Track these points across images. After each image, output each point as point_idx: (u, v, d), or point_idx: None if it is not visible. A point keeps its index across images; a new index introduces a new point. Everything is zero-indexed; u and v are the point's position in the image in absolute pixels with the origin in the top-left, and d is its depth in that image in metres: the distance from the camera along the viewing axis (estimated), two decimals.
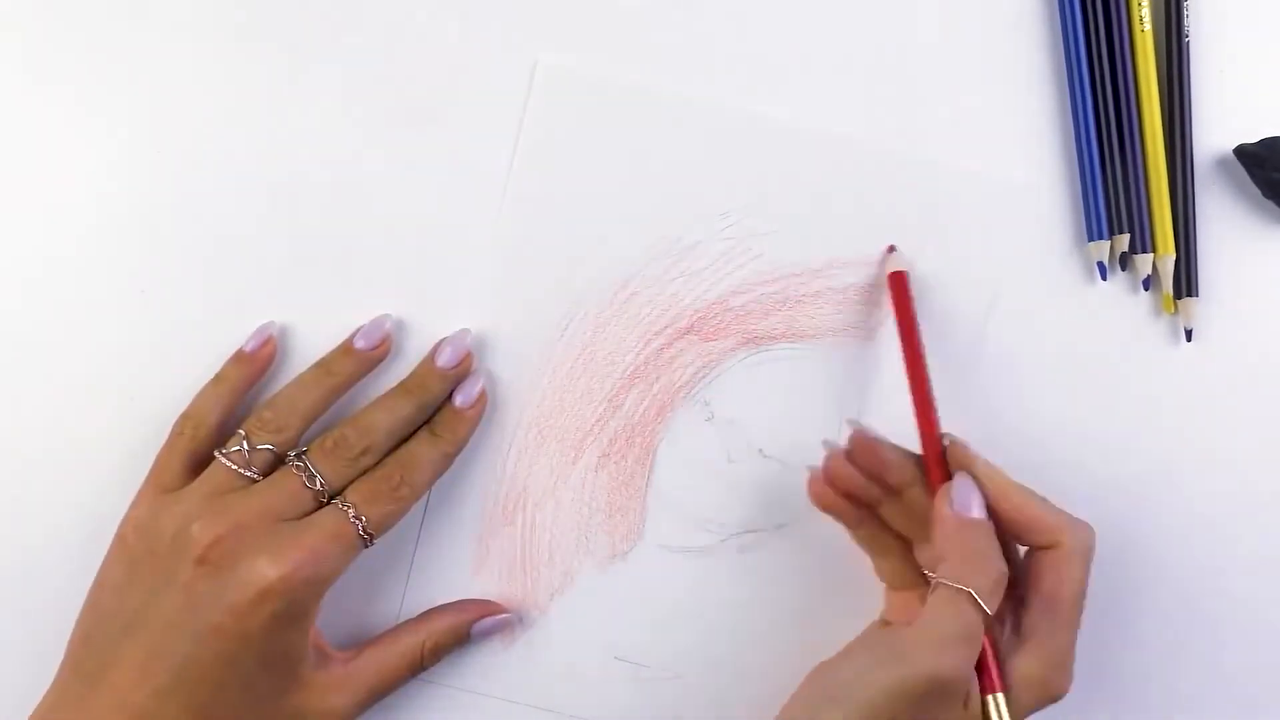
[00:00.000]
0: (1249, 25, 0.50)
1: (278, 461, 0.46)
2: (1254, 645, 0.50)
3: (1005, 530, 0.44)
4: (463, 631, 0.48)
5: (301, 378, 0.47)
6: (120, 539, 0.46)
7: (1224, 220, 0.50)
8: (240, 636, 0.42)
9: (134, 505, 0.46)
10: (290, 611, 0.43)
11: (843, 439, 0.46)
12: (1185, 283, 0.49)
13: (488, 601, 0.49)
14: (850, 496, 0.46)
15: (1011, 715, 0.42)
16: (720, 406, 0.50)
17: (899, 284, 0.48)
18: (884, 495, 0.45)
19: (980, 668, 0.42)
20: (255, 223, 0.49)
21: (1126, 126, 0.49)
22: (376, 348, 0.48)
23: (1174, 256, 0.49)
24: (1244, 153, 0.49)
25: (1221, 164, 0.50)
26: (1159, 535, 0.50)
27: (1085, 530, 0.43)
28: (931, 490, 0.44)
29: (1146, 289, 0.50)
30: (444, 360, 0.48)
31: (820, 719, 0.41)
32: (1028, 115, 0.50)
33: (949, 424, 0.46)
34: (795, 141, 0.49)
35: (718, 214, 0.50)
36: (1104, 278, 0.50)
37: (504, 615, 0.49)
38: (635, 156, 0.49)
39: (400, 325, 0.49)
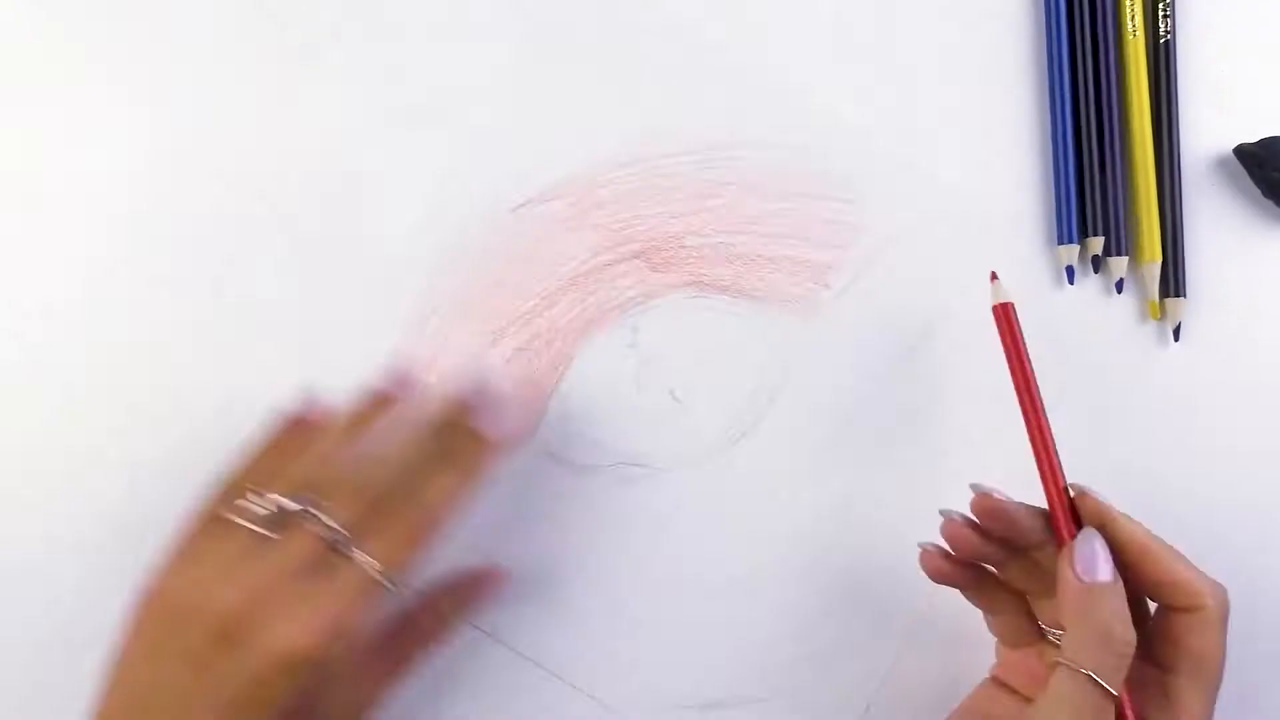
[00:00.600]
0: (1247, 25, 0.51)
1: (296, 518, 0.43)
2: (1243, 645, 0.47)
3: (1141, 589, 0.41)
4: (463, 612, 0.48)
5: (326, 433, 0.45)
6: (139, 611, 0.43)
7: (1223, 220, 0.50)
8: (267, 707, 0.40)
9: (152, 575, 0.44)
10: (317, 675, 0.41)
11: (958, 504, 0.43)
12: (1174, 284, 0.49)
13: (475, 572, 0.48)
14: (968, 563, 0.43)
15: None
16: (646, 337, 0.50)
17: (1006, 318, 0.43)
18: (1007, 557, 0.43)
19: None
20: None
21: (1109, 131, 0.49)
22: (398, 392, 0.46)
23: (1159, 262, 0.49)
24: (1243, 153, 0.49)
25: (1221, 164, 0.50)
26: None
27: (1223, 591, 0.41)
28: (1059, 547, 0.41)
29: (1119, 292, 0.49)
30: (465, 393, 0.46)
31: None
32: (1009, 118, 0.50)
33: (934, 431, 0.46)
34: (773, 124, 0.50)
35: (704, 147, 0.50)
36: (1071, 281, 0.50)
37: (496, 576, 0.48)
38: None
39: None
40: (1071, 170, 0.49)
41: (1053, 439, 0.42)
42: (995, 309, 0.43)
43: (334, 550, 0.42)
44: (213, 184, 0.50)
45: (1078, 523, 0.41)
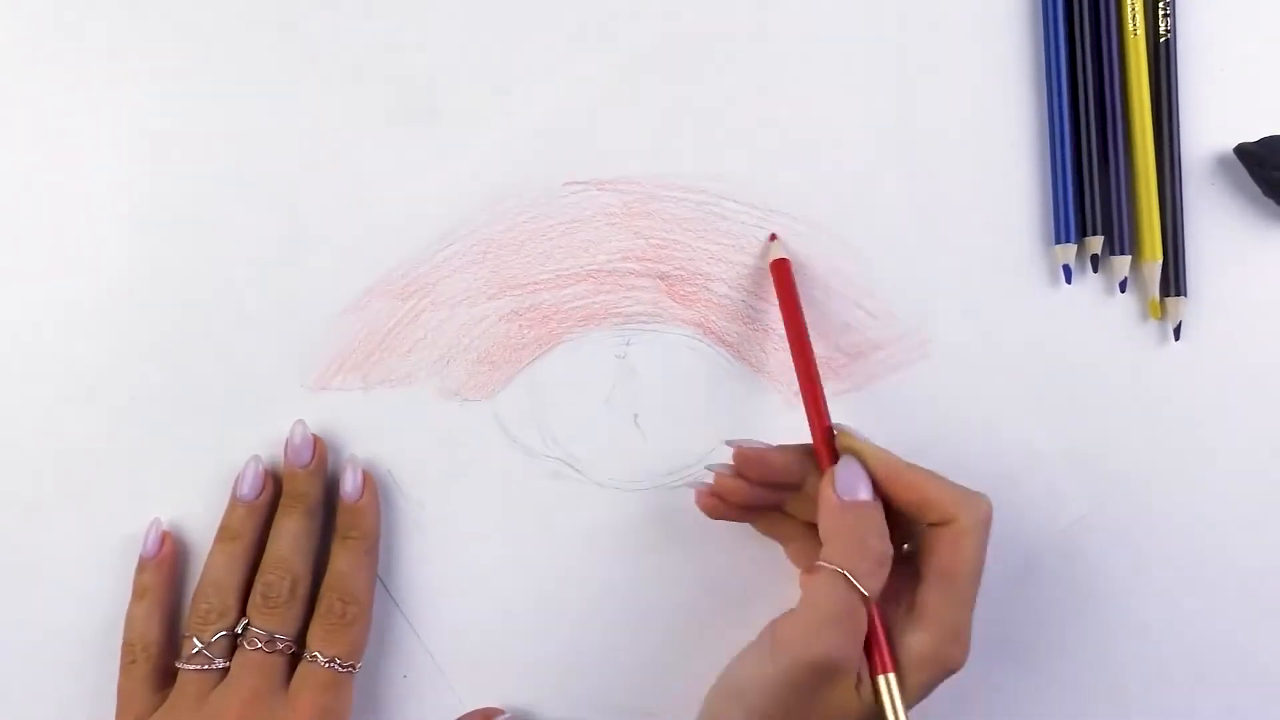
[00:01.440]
0: (1247, 25, 0.50)
1: (234, 641, 0.46)
2: (1245, 646, 0.49)
3: (902, 511, 0.43)
4: None
5: (213, 556, 0.47)
6: None
7: (1223, 220, 0.50)
8: None
9: None
10: None
11: (726, 458, 0.45)
12: (1174, 283, 0.49)
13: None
14: (746, 505, 0.45)
15: (905, 693, 0.41)
16: (636, 356, 0.50)
17: (782, 272, 0.47)
18: (781, 496, 0.45)
19: (869, 649, 0.41)
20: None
21: (1108, 131, 0.49)
22: (260, 493, 0.48)
23: (1160, 262, 0.49)
24: (1244, 152, 0.49)
25: (1221, 163, 0.50)
26: (1146, 537, 0.50)
27: (981, 504, 0.42)
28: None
29: (1123, 291, 0.49)
30: (299, 459, 0.48)
31: (719, 713, 0.41)
32: (1009, 117, 0.50)
33: (929, 427, 0.48)
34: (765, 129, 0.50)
35: (765, 208, 0.50)
36: (1069, 280, 0.49)
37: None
38: None
39: (273, 460, 0.49)
40: (1069, 170, 0.49)
41: (819, 377, 0.45)
42: (773, 265, 0.47)
43: (287, 656, 0.46)
44: (215, 183, 0.50)
45: (837, 457, 0.44)
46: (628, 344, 0.50)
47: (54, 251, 0.50)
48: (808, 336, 0.46)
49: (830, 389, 0.46)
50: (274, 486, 0.48)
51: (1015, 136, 0.50)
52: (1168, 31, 0.49)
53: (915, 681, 0.41)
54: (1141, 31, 0.49)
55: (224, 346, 0.50)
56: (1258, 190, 0.49)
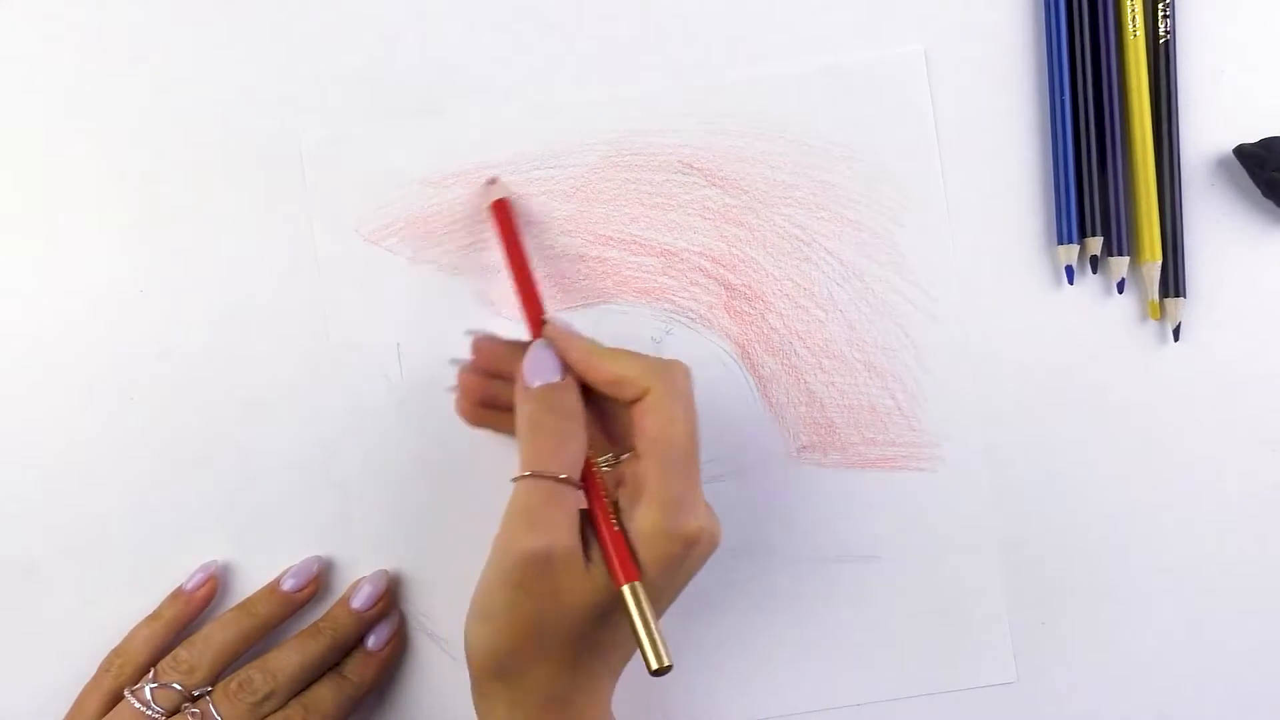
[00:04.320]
0: (1247, 25, 0.51)
1: (183, 701, 0.45)
2: (1245, 644, 0.50)
3: (605, 395, 0.43)
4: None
5: (223, 617, 0.47)
6: None
7: (1222, 220, 0.50)
8: None
9: None
10: None
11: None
12: (1174, 284, 0.49)
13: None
14: (486, 403, 0.46)
15: (646, 575, 0.40)
16: (671, 346, 0.50)
17: (503, 210, 0.47)
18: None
19: (605, 557, 0.40)
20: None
21: (1108, 131, 0.49)
22: (303, 589, 0.48)
23: (1159, 263, 0.49)
24: (1243, 153, 0.49)
25: (1221, 164, 0.50)
26: (1146, 536, 0.50)
27: (675, 371, 0.42)
28: None
29: (1120, 292, 0.50)
30: (359, 603, 0.48)
31: (472, 635, 0.41)
32: (1009, 118, 0.50)
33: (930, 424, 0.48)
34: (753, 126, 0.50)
35: (842, 264, 0.50)
36: (1071, 281, 0.50)
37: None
38: None
39: (330, 564, 0.49)
40: (1071, 170, 0.49)
41: (535, 277, 0.46)
42: (494, 206, 0.47)
43: None
44: (215, 183, 0.50)
45: None
46: (668, 332, 0.50)
47: (55, 252, 0.50)
48: (527, 260, 0.47)
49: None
50: (316, 589, 0.48)
51: (1015, 137, 0.50)
52: (1167, 33, 0.50)
53: (651, 557, 0.40)
54: (1141, 32, 0.50)
55: (228, 346, 0.50)
56: (1257, 191, 0.50)
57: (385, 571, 0.48)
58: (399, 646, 0.48)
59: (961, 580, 0.49)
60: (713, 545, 0.41)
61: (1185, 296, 0.49)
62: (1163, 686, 0.49)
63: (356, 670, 0.47)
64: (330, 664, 0.47)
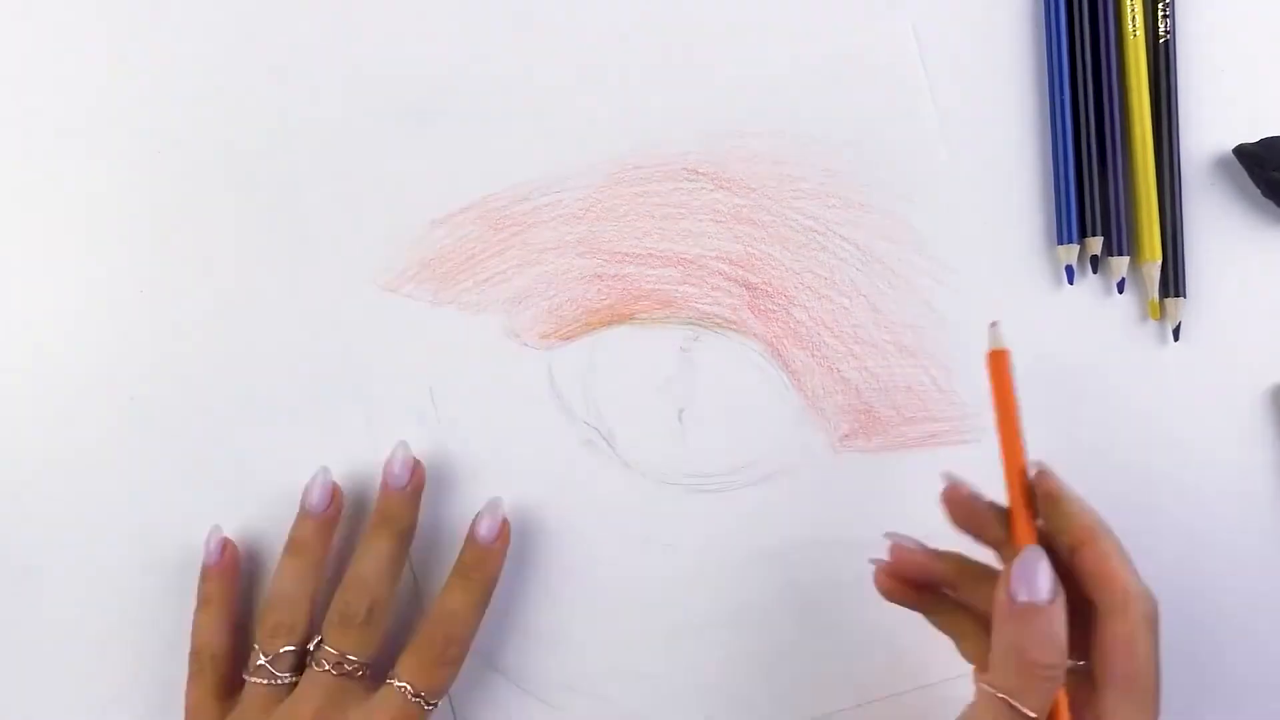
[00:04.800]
0: (1247, 25, 0.50)
1: (303, 657, 0.45)
2: (1248, 645, 0.49)
3: (1079, 579, 0.40)
4: None
5: (281, 570, 0.47)
6: None
7: (1222, 220, 0.50)
8: None
9: None
10: None
11: (891, 540, 0.43)
12: (1173, 284, 0.49)
13: None
14: (922, 584, 0.43)
15: None
16: (700, 354, 0.50)
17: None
18: (959, 577, 0.43)
19: None
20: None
21: (1108, 131, 0.49)
22: (329, 506, 0.47)
23: (1159, 263, 0.49)
24: (1243, 152, 0.49)
25: (1220, 164, 0.50)
26: (1145, 537, 0.48)
27: (1151, 598, 0.39)
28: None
29: (1120, 292, 0.50)
30: (396, 481, 0.47)
31: None
32: (1009, 118, 0.50)
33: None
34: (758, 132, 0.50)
35: (862, 250, 0.50)
36: (1070, 281, 0.50)
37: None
38: None
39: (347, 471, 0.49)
40: (1071, 170, 0.49)
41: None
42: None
43: (353, 679, 0.44)
44: (215, 181, 0.50)
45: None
46: (695, 340, 0.50)
47: (54, 252, 0.50)
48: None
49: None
50: (341, 501, 0.48)
51: (1015, 138, 0.50)
52: (1167, 32, 0.49)
53: None
54: (1141, 32, 0.49)
55: (230, 345, 0.50)
56: (1257, 191, 0.49)
57: (405, 442, 0.47)
58: (509, 537, 0.47)
59: None
60: None
61: (1185, 296, 0.49)
62: (1168, 686, 0.48)
63: (476, 568, 0.46)
64: (404, 554, 0.47)
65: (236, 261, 0.50)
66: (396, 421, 0.49)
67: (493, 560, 0.47)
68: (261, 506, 0.49)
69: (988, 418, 0.49)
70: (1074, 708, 0.39)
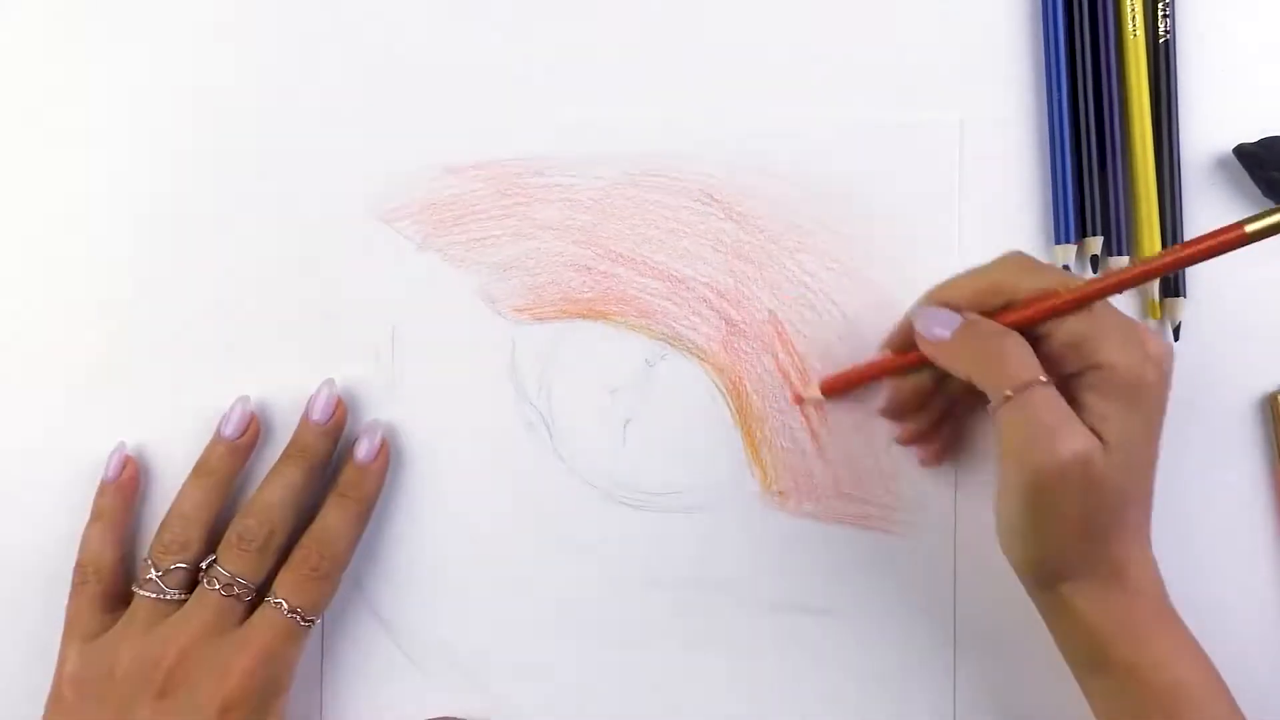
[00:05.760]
0: (1247, 25, 0.50)
1: (193, 576, 0.46)
2: (1245, 643, 0.49)
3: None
4: None
5: (185, 489, 0.47)
6: (58, 699, 0.45)
7: (1222, 220, 0.48)
8: None
9: (62, 662, 0.46)
10: (256, 716, 0.44)
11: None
12: (1173, 283, 0.49)
13: None
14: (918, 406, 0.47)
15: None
16: (663, 371, 0.50)
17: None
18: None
19: None
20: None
21: (1108, 131, 0.49)
22: (244, 433, 0.48)
23: None
24: (1243, 152, 0.49)
25: (1220, 164, 0.50)
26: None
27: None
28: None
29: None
30: (317, 415, 0.48)
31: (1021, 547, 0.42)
32: (1008, 118, 0.50)
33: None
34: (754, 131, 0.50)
35: (848, 318, 0.50)
36: None
37: None
38: None
39: (262, 405, 0.49)
40: (1069, 170, 0.49)
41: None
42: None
43: (244, 600, 0.45)
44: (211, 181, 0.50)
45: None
46: (662, 357, 0.50)
47: (54, 251, 0.50)
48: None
49: None
50: (257, 430, 0.48)
51: (1015, 137, 0.50)
52: (1167, 32, 0.49)
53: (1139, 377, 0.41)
54: (1141, 32, 0.49)
55: (231, 343, 0.50)
56: (1257, 190, 0.49)
57: (332, 380, 0.48)
58: (388, 459, 0.48)
59: (913, 641, 0.49)
60: (1172, 357, 0.42)
61: (1185, 296, 0.49)
62: None
63: (354, 486, 0.47)
64: (314, 488, 0.47)
65: (236, 172, 0.50)
66: (352, 355, 0.50)
67: (370, 480, 0.48)
68: (199, 427, 0.49)
69: (919, 516, 0.49)
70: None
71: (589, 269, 0.50)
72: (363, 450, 0.48)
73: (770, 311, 0.50)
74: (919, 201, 0.50)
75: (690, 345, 0.50)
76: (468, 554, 0.49)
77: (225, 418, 0.48)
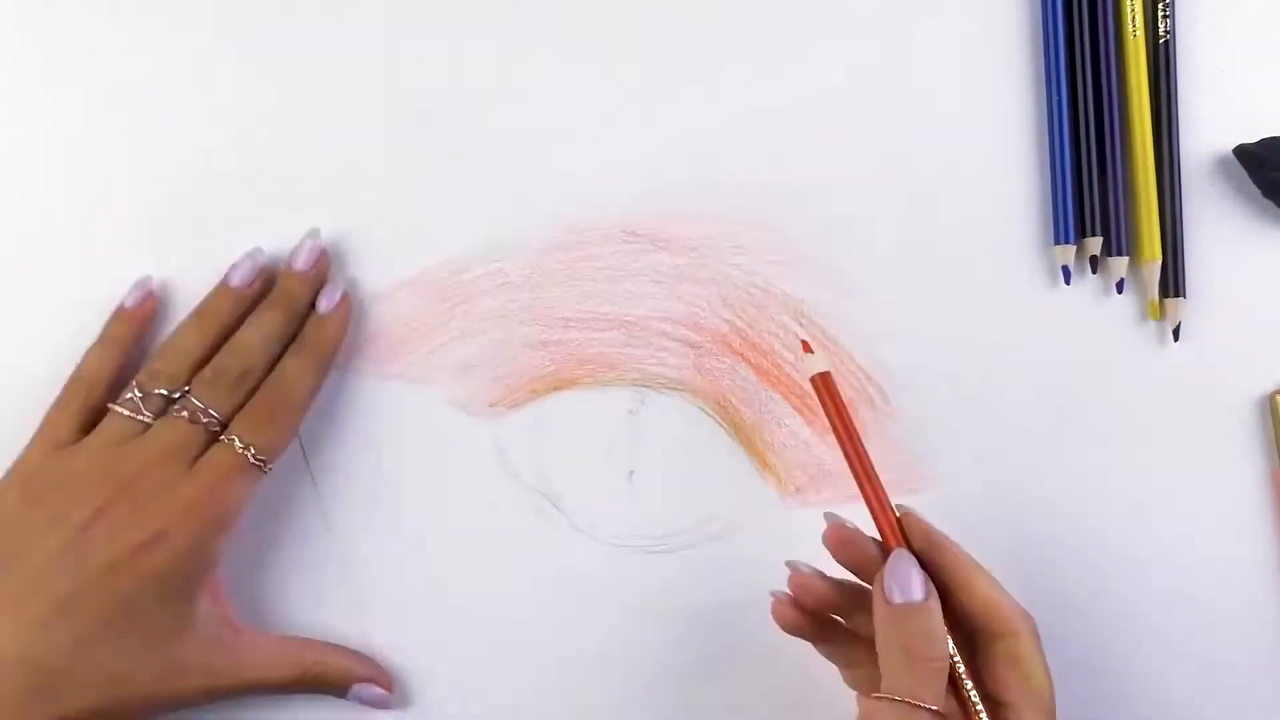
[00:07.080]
0: (1247, 25, 0.50)
1: (168, 404, 0.46)
2: (1245, 643, 0.49)
3: (961, 614, 0.41)
4: (346, 681, 0.48)
5: (184, 325, 0.48)
6: (3, 490, 0.45)
7: (1222, 221, 0.50)
8: (136, 574, 0.43)
9: (23, 461, 0.46)
10: (192, 549, 0.44)
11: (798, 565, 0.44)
12: (1173, 284, 0.49)
13: (381, 670, 0.49)
14: (818, 613, 0.44)
15: None
16: (648, 415, 0.50)
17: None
18: (854, 606, 0.44)
19: None
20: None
21: (1108, 131, 0.49)
22: (251, 284, 0.48)
23: (1159, 262, 0.49)
24: (1243, 153, 0.49)
25: (1220, 164, 0.50)
26: (1144, 537, 0.49)
27: (1030, 616, 0.41)
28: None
29: (1120, 292, 0.50)
30: (300, 264, 0.48)
31: None
32: (1007, 118, 0.50)
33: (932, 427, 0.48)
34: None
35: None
36: (1067, 281, 0.50)
37: (385, 694, 0.48)
38: None
39: (275, 258, 0.49)
40: (1068, 170, 0.49)
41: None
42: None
43: (209, 433, 0.45)
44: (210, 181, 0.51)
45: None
46: (642, 402, 0.50)
47: (54, 249, 0.50)
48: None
49: None
50: (266, 284, 0.49)
51: (1014, 137, 0.50)
52: (1167, 33, 0.50)
53: None
54: (1141, 32, 0.50)
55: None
56: (1257, 191, 0.49)
57: (316, 229, 0.49)
58: (349, 309, 0.49)
59: None
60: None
61: (1185, 296, 0.49)
62: (1157, 687, 0.49)
63: (313, 336, 0.48)
64: (291, 335, 0.48)
65: None
66: (348, 496, 0.49)
67: (330, 331, 0.48)
68: None
69: (936, 465, 0.50)
70: None
71: (544, 343, 0.50)
72: (324, 303, 0.48)
73: (728, 321, 0.50)
74: (918, 201, 0.50)
75: (665, 381, 0.50)
76: (523, 654, 0.49)
77: (235, 266, 0.48)
